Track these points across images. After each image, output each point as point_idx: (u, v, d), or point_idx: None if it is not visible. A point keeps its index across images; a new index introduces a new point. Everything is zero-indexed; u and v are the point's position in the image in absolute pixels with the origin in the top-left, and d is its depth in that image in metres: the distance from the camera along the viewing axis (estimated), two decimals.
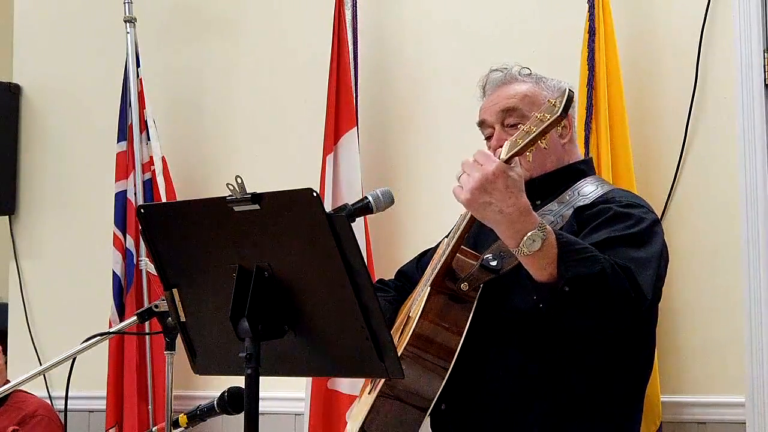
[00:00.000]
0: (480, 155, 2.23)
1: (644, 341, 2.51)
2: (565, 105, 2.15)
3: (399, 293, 2.77)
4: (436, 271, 2.41)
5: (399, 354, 2.24)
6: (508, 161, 2.21)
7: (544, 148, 2.24)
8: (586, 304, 2.23)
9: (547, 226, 2.23)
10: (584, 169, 2.62)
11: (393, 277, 2.89)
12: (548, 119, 2.17)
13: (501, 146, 2.49)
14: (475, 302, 2.38)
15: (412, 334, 2.35)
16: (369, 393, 2.55)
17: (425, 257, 2.86)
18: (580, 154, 2.64)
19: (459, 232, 2.38)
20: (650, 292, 2.30)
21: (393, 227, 3.86)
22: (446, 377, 2.34)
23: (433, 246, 2.86)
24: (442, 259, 2.41)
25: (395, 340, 2.30)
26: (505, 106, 2.56)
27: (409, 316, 2.53)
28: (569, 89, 2.19)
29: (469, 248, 2.45)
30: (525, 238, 2.19)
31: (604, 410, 2.45)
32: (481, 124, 2.62)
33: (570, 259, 2.20)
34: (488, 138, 2.60)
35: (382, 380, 2.38)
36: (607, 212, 2.42)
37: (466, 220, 2.36)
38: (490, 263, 2.38)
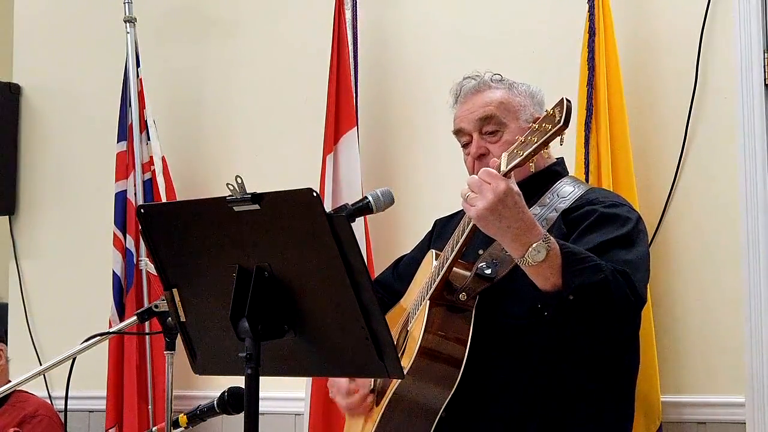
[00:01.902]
0: (486, 174, 2.23)
1: (632, 340, 2.54)
2: (566, 116, 2.15)
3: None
4: (435, 285, 2.42)
5: (407, 369, 2.25)
6: (507, 174, 2.22)
7: (547, 158, 2.25)
8: (591, 311, 2.27)
9: (552, 238, 2.25)
10: (559, 170, 2.65)
11: None
12: (550, 129, 2.17)
13: (482, 153, 2.53)
14: (474, 311, 2.39)
15: (419, 349, 2.36)
16: (371, 409, 2.55)
17: (401, 264, 2.87)
18: (552, 154, 2.65)
19: (458, 247, 2.39)
20: (645, 293, 2.37)
21: (393, 227, 3.85)
22: (455, 388, 2.35)
23: (408, 253, 2.86)
24: (441, 274, 2.42)
25: None
26: (482, 114, 2.58)
27: (407, 331, 2.53)
28: (566, 99, 2.18)
29: None
30: (530, 249, 2.22)
31: (602, 412, 2.47)
32: (458, 132, 2.64)
33: (574, 269, 2.23)
34: (465, 146, 2.62)
35: (387, 395, 2.39)
36: (593, 214, 2.46)
37: (464, 236, 2.37)
38: (485, 271, 2.41)
